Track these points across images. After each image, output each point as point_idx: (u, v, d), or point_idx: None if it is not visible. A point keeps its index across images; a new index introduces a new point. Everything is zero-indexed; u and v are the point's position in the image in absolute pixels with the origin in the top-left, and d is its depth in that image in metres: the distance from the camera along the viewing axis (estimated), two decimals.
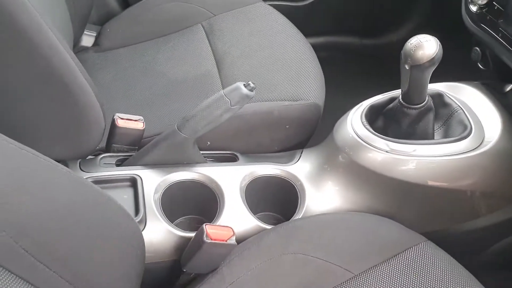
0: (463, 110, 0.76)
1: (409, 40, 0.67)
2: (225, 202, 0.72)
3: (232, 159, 0.82)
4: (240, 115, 0.79)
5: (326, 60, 1.04)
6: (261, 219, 0.76)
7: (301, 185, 0.76)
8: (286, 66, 0.94)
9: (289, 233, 0.67)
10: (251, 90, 0.70)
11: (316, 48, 1.05)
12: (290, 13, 1.14)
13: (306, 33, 1.08)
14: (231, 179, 0.75)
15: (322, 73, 0.97)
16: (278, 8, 1.12)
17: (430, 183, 0.73)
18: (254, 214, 0.75)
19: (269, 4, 1.12)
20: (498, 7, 0.74)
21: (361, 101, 0.82)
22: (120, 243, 0.53)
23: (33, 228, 0.43)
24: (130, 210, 0.67)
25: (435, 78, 0.81)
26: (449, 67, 0.90)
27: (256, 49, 0.98)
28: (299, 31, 1.06)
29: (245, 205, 0.73)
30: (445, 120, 0.78)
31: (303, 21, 1.19)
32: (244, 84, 0.70)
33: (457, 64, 0.90)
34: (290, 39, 1.02)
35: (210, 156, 0.81)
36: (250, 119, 0.86)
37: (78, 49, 1.08)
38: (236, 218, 0.71)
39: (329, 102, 0.95)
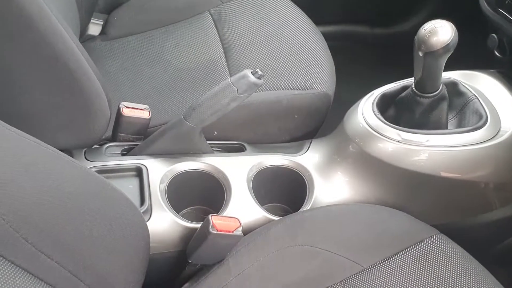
0: (478, 99, 0.74)
1: (423, 26, 0.65)
2: (232, 193, 0.71)
3: (239, 149, 0.80)
4: (248, 104, 0.78)
5: (336, 49, 1.02)
6: (268, 210, 0.75)
7: (310, 175, 0.75)
8: (296, 55, 0.92)
9: (296, 225, 0.66)
10: (259, 78, 0.68)
11: (326, 37, 1.02)
12: (299, 2, 1.12)
13: (316, 22, 1.05)
14: (238, 169, 0.74)
15: (333, 62, 0.95)
16: None
17: (443, 174, 0.71)
18: (262, 205, 0.73)
19: None
20: None
21: (371, 91, 0.80)
22: (124, 233, 0.52)
23: (35, 216, 0.42)
24: (136, 200, 0.66)
25: (449, 66, 0.78)
26: (465, 55, 0.87)
27: (265, 37, 0.96)
28: (309, 19, 1.03)
29: (252, 196, 0.72)
30: (459, 110, 0.76)
31: (313, 9, 1.16)
32: (252, 72, 0.69)
33: (473, 51, 0.87)
34: (300, 27, 0.99)
35: (217, 146, 0.80)
36: (258, 108, 0.84)
37: (85, 38, 1.07)
38: (243, 209, 0.70)
39: (339, 91, 0.93)
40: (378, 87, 0.80)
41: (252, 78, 0.68)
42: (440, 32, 0.63)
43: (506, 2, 0.73)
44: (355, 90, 0.86)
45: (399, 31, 1.36)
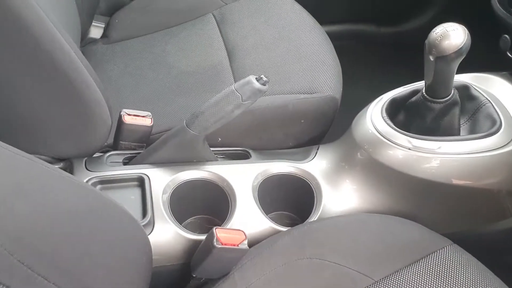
0: (491, 103, 0.71)
1: (434, 29, 0.62)
2: (237, 202, 0.69)
3: (244, 156, 0.78)
4: (252, 110, 0.76)
5: (341, 50, 0.99)
6: (274, 218, 0.72)
7: (317, 183, 0.73)
8: (301, 57, 0.90)
9: (304, 237, 0.64)
10: (263, 84, 0.66)
11: (331, 36, 1.00)
12: (304, 1, 1.09)
13: (321, 21, 1.03)
14: (243, 177, 0.72)
15: (339, 64, 0.92)
16: None
17: (455, 181, 0.69)
18: (267, 214, 0.71)
19: None
20: None
21: (379, 94, 0.78)
22: (125, 249, 0.50)
23: (30, 237, 0.40)
24: (138, 211, 0.64)
25: (460, 69, 0.75)
26: (476, 56, 0.84)
27: (269, 39, 0.94)
28: (314, 19, 1.01)
29: (257, 205, 0.70)
30: (471, 114, 0.73)
31: (318, 8, 1.14)
32: (256, 78, 0.67)
33: (485, 53, 0.84)
34: (306, 28, 0.97)
35: (221, 153, 0.78)
36: (263, 114, 0.82)
37: (86, 41, 1.06)
38: (248, 219, 0.68)
39: (346, 94, 0.91)
40: (386, 90, 0.78)
41: (257, 84, 0.66)
42: (452, 35, 0.60)
43: None
44: (363, 93, 0.83)
45: (407, 30, 1.33)
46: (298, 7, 1.02)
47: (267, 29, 0.96)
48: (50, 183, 0.44)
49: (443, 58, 0.61)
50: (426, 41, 0.62)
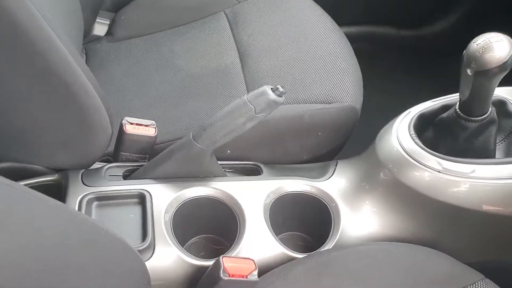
0: None
1: (474, 40, 0.55)
2: (246, 223, 0.63)
3: (255, 171, 0.72)
4: (265, 121, 0.69)
5: (358, 53, 0.93)
6: (286, 239, 0.67)
7: (336, 205, 0.66)
8: (318, 62, 0.83)
9: (321, 267, 0.58)
10: (279, 95, 0.60)
11: (348, 39, 0.93)
12: (320, 1, 1.03)
13: (337, 22, 0.97)
14: (253, 196, 0.66)
15: (360, 71, 0.86)
16: None
17: (485, 208, 0.62)
18: (279, 234, 0.66)
19: None
20: None
21: (400, 103, 0.72)
22: (120, 282, 0.45)
23: (12, 280, 0.35)
24: (137, 232, 0.59)
25: None
26: None
27: (284, 41, 0.88)
28: (333, 21, 0.94)
29: (269, 227, 0.64)
30: (508, 133, 0.66)
31: (334, 8, 1.07)
32: (272, 88, 0.60)
33: None
34: (324, 31, 0.90)
35: (230, 167, 0.72)
36: (277, 125, 0.75)
37: (90, 38, 1.00)
38: (258, 243, 0.62)
39: (365, 102, 0.84)
40: (407, 98, 0.72)
41: (272, 95, 0.60)
42: (496, 47, 0.54)
43: None
44: (382, 101, 0.77)
45: (428, 33, 1.26)
46: (314, 5, 0.96)
47: (282, 30, 0.90)
48: (35, 213, 0.39)
49: (484, 73, 0.54)
50: (465, 53, 0.56)
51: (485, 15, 1.08)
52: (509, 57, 0.54)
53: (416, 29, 1.28)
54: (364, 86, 0.86)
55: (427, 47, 1.21)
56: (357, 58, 0.89)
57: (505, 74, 0.56)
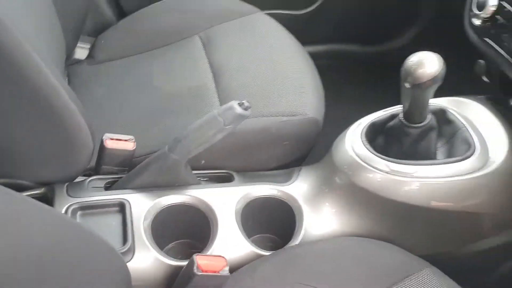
0: (466, 128, 0.73)
1: (409, 57, 0.64)
2: (219, 227, 0.69)
3: (227, 178, 0.79)
4: (236, 133, 0.76)
5: (326, 69, 1.01)
6: (257, 241, 0.73)
7: (299, 207, 0.73)
8: (284, 79, 0.91)
9: (285, 263, 0.64)
10: (245, 109, 0.67)
11: (317, 56, 1.01)
12: (290, 22, 1.11)
13: (307, 42, 1.05)
14: (225, 201, 0.72)
15: (322, 86, 0.94)
16: (277, 17, 1.09)
17: (433, 204, 0.70)
18: (251, 237, 0.72)
19: (268, 13, 1.09)
20: (502, 21, 0.70)
21: (364, 114, 0.79)
22: (103, 281, 0.50)
23: (3, 278, 0.39)
24: (118, 238, 0.65)
25: (437, 92, 0.78)
26: (452, 80, 0.86)
27: (254, 61, 0.95)
28: (297, 41, 1.02)
29: (240, 229, 0.70)
30: (449, 138, 0.75)
31: (304, 29, 1.16)
32: (238, 103, 0.68)
33: (461, 76, 0.86)
34: (289, 50, 0.98)
35: (204, 175, 0.78)
36: (247, 137, 0.83)
37: (71, 61, 1.06)
38: (230, 244, 0.68)
39: (330, 114, 0.92)
40: (370, 110, 0.79)
41: (239, 109, 0.67)
42: (427, 64, 0.62)
43: (491, 31, 0.72)
44: (347, 113, 0.84)
45: (389, 49, 1.36)
46: (281, 29, 1.03)
47: (251, 50, 0.97)
48: (25, 216, 0.43)
49: (419, 86, 0.63)
50: (402, 69, 0.64)
51: (439, 33, 1.17)
52: (439, 73, 0.62)
53: (378, 46, 1.37)
54: (331, 100, 0.94)
55: (389, 61, 1.30)
56: (324, 74, 0.96)
57: (438, 86, 0.64)
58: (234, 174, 0.79)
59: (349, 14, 1.30)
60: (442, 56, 0.64)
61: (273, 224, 0.76)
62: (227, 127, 0.67)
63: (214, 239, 0.68)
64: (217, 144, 0.70)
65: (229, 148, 0.81)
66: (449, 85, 0.75)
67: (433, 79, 0.62)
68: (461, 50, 0.86)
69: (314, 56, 1.02)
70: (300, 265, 0.64)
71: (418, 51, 0.64)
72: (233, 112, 0.67)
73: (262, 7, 1.10)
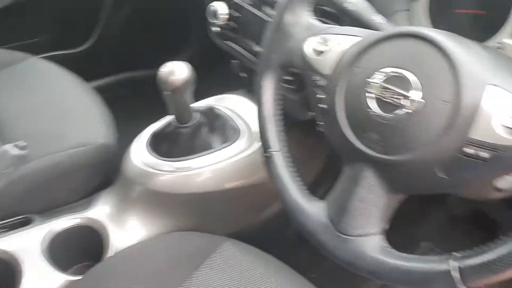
0: (232, 118, 0.86)
1: (161, 68, 0.73)
2: (25, 273, 0.69)
3: (26, 222, 0.78)
4: (28, 174, 0.77)
5: (116, 98, 1.06)
6: (77, 271, 0.74)
7: (104, 227, 0.77)
8: (69, 115, 0.94)
9: (98, 280, 0.67)
10: (22, 149, 0.69)
11: (103, 89, 1.05)
12: (70, 61, 1.13)
13: (91, 77, 1.08)
14: (28, 245, 0.72)
15: (108, 113, 0.99)
16: (54, 58, 1.11)
17: (225, 186, 0.80)
18: (70, 268, 0.72)
19: (43, 57, 1.10)
20: (235, 26, 0.85)
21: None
22: None
23: None
24: None
25: (205, 94, 0.90)
26: (217, 80, 1.01)
27: (34, 104, 0.95)
28: (77, 77, 1.06)
29: (51, 266, 0.71)
30: (222, 129, 0.87)
31: (86, 65, 1.19)
32: (15, 145, 0.68)
33: (223, 76, 1.00)
34: (69, 87, 1.01)
35: (1, 226, 0.76)
36: (42, 175, 0.83)
37: None
38: (41, 284, 0.68)
39: (125, 136, 0.96)
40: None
41: (15, 151, 0.68)
42: (177, 71, 0.72)
43: (230, 35, 0.86)
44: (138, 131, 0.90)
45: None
46: (57, 69, 1.06)
47: (31, 96, 0.97)
48: None
49: (175, 91, 0.73)
50: (157, 79, 0.73)
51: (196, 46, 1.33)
52: (189, 77, 0.73)
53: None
54: (124, 125, 0.98)
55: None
56: (113, 102, 1.01)
57: (193, 89, 0.75)
58: (34, 215, 0.79)
59: (128, 42, 1.37)
60: (210, 62, 0.74)
61: (87, 250, 0.78)
62: (5, 171, 0.67)
63: (20, 283, 0.67)
64: (9, 191, 0.69)
65: (24, 191, 0.80)
66: (216, 85, 0.88)
67: (186, 83, 0.73)
68: (219, 52, 1.00)
69: (104, 88, 1.06)
70: (112, 278, 0.67)
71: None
72: (9, 155, 0.67)
73: (35, 52, 1.11)
